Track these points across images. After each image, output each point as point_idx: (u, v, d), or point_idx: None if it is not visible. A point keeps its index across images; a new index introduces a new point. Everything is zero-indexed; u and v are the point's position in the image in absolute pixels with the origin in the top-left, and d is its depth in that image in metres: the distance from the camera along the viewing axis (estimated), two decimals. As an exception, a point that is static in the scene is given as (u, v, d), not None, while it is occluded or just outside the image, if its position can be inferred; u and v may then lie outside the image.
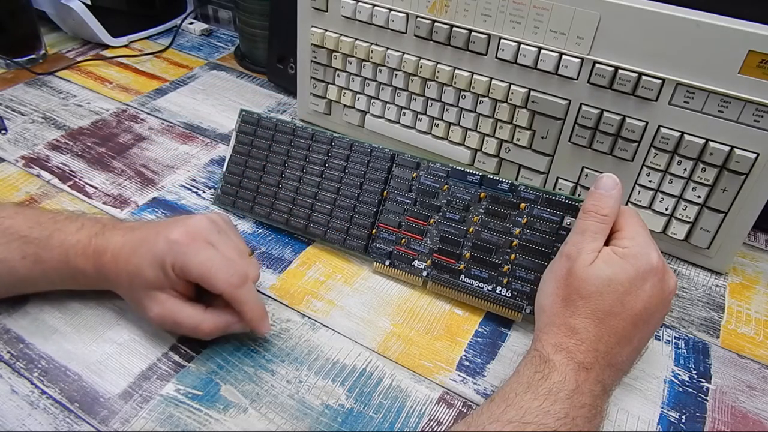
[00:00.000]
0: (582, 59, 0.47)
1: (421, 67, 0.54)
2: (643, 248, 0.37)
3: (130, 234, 0.40)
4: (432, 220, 0.47)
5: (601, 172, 0.45)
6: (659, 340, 0.45)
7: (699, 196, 0.47)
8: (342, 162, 0.50)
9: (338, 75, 0.60)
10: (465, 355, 0.43)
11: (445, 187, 0.47)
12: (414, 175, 0.48)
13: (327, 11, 0.57)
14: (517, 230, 0.44)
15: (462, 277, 0.46)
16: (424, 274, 0.47)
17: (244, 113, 0.53)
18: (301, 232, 0.51)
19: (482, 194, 0.45)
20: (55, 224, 0.41)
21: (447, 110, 0.54)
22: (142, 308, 0.40)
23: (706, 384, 0.42)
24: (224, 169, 0.53)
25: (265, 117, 0.52)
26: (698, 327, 0.46)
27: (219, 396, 0.39)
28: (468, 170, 0.46)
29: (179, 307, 0.39)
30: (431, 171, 0.47)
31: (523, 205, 0.44)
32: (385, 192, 0.48)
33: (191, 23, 0.86)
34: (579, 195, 0.52)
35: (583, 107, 0.48)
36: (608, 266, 0.37)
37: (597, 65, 0.46)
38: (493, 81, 0.51)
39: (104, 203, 0.54)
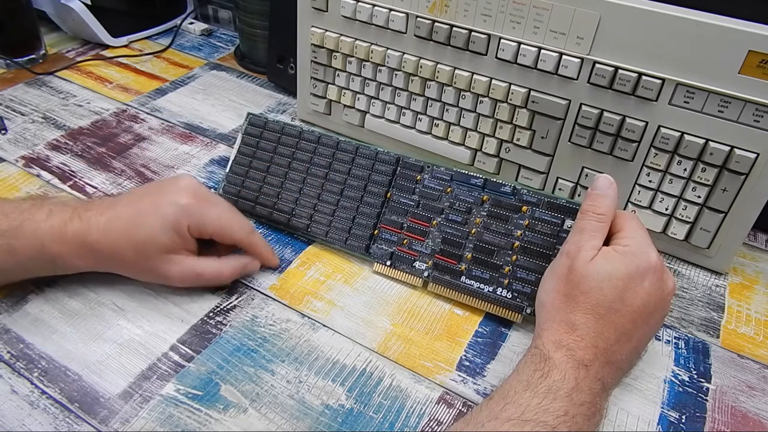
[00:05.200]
0: (582, 59, 0.47)
1: (421, 67, 0.54)
2: (642, 247, 0.38)
3: (112, 210, 0.41)
4: (434, 221, 0.47)
5: (601, 172, 0.46)
6: (659, 340, 0.45)
7: (699, 196, 0.47)
8: (347, 165, 0.50)
9: (338, 75, 0.59)
10: (465, 355, 0.43)
11: (449, 189, 0.47)
12: (418, 178, 0.48)
13: (327, 11, 0.57)
14: (519, 232, 0.44)
15: (463, 278, 0.46)
16: (425, 274, 0.47)
17: (251, 116, 0.54)
18: (302, 232, 0.51)
19: (485, 197, 0.46)
20: (21, 213, 0.40)
21: (447, 110, 0.54)
22: (159, 273, 0.42)
23: (706, 384, 0.42)
24: (227, 170, 0.54)
25: (273, 120, 0.53)
26: (698, 327, 0.46)
27: (219, 396, 0.39)
28: (471, 173, 0.46)
29: (196, 262, 0.43)
30: (435, 174, 0.47)
31: (525, 208, 0.44)
32: (389, 194, 0.49)
33: (191, 23, 0.86)
34: (579, 196, 0.52)
35: (583, 107, 0.48)
36: (608, 262, 0.37)
37: (597, 65, 0.46)
38: (493, 81, 0.51)
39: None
